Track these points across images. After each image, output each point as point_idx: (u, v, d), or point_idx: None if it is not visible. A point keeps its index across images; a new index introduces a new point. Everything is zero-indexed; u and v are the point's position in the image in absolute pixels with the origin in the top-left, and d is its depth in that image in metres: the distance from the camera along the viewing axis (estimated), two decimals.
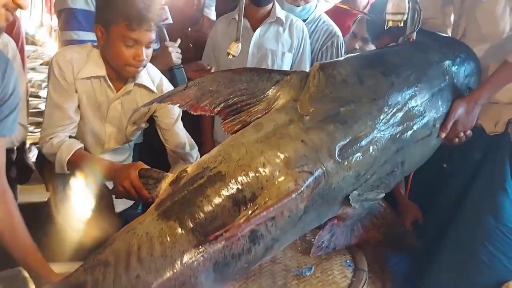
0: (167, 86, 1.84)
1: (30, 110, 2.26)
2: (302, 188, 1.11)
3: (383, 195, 1.38)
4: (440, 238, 1.67)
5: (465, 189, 1.65)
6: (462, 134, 1.49)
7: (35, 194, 2.29)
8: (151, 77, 1.80)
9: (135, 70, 1.67)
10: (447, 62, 1.48)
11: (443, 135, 1.41)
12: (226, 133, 1.33)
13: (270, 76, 1.33)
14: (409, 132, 1.31)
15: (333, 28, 2.37)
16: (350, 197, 1.25)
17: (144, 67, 1.70)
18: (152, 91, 1.78)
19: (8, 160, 1.97)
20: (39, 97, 2.93)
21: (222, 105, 1.30)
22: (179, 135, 1.86)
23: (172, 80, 1.95)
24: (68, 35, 2.06)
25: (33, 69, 2.15)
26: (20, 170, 2.11)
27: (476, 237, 1.61)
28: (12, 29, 2.03)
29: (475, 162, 1.65)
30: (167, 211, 1.13)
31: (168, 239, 1.08)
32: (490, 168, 1.62)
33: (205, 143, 2.29)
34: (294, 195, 1.09)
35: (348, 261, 1.46)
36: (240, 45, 1.75)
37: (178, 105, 1.30)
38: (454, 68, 1.49)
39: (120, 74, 1.71)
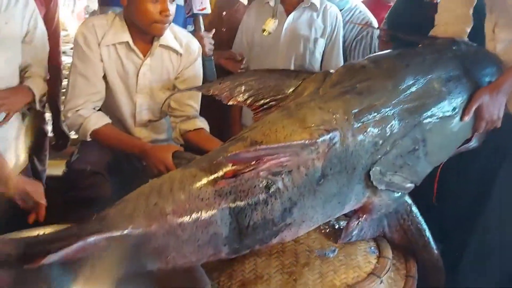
0: (194, 48, 1.87)
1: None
2: (317, 141, 1.16)
3: (410, 185, 1.39)
4: (470, 224, 1.64)
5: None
6: (490, 123, 1.47)
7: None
8: (178, 39, 1.83)
9: (162, 26, 1.69)
10: (464, 58, 1.52)
11: (466, 118, 1.42)
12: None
13: (297, 75, 1.48)
14: (427, 108, 1.35)
15: (369, 18, 2.42)
16: (371, 173, 1.28)
17: (169, 24, 1.72)
18: (179, 53, 1.82)
19: (43, 132, 2.14)
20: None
21: (252, 98, 1.45)
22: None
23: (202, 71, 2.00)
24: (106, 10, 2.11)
25: (63, 52, 2.27)
26: (57, 138, 2.27)
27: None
28: (48, 10, 2.07)
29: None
30: (190, 165, 1.22)
31: (188, 178, 1.16)
32: None
33: (233, 126, 2.36)
34: (307, 142, 1.15)
35: (372, 247, 1.43)
36: (276, 22, 1.82)
37: (213, 94, 1.45)
38: (472, 65, 1.52)
39: (144, 38, 1.74)
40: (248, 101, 1.43)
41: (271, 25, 1.83)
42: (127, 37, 1.75)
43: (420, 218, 1.46)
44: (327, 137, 1.19)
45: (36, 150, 2.05)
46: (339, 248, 1.41)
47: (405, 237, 1.48)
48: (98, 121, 1.72)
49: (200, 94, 1.91)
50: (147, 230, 1.09)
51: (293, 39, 2.27)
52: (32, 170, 1.98)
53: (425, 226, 1.47)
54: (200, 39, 2.03)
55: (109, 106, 1.83)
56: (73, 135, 2.21)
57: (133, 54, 1.78)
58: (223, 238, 1.15)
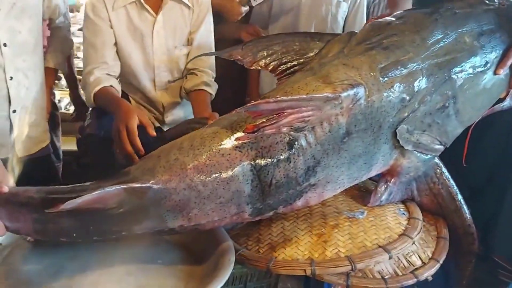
0: (205, 0, 1.85)
1: None
2: (340, 95, 1.12)
3: (439, 146, 1.35)
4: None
5: None
6: None
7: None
8: None
9: None
10: (498, 13, 1.44)
11: (501, 72, 1.35)
12: None
13: (322, 37, 1.44)
14: (457, 63, 1.29)
15: None
16: (398, 132, 1.24)
17: None
18: (189, 7, 1.80)
19: (55, 107, 2.18)
20: (77, 57, 3.07)
21: (276, 62, 1.42)
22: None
23: None
24: None
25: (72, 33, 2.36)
26: (77, 109, 2.32)
27: None
28: None
29: None
30: (211, 124, 1.21)
31: (209, 135, 1.15)
32: None
33: (251, 95, 2.32)
34: (330, 96, 1.11)
35: (401, 209, 1.39)
36: None
37: (235, 59, 1.43)
38: (506, 20, 1.43)
39: None
40: (271, 66, 1.40)
41: None
42: None
43: (451, 181, 1.41)
44: (351, 92, 1.15)
45: (52, 125, 2.08)
46: (367, 210, 1.37)
47: (435, 201, 1.43)
48: (98, 84, 1.69)
49: (213, 58, 1.89)
50: (168, 184, 1.08)
51: (314, 2, 2.20)
52: (53, 148, 2.02)
53: (456, 189, 1.41)
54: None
55: (127, 74, 1.82)
56: None
57: (145, 12, 1.76)
58: (246, 196, 1.14)
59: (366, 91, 1.19)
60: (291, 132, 1.12)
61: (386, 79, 1.22)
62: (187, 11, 1.83)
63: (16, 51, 1.66)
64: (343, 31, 2.26)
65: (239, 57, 1.42)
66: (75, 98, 2.35)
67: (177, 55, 1.86)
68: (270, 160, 1.13)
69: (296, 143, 1.14)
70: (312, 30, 2.20)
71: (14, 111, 1.69)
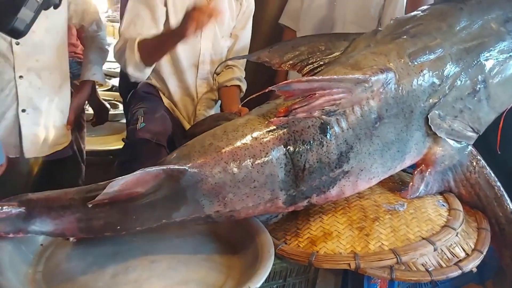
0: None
1: None
2: (370, 78, 1.13)
3: (472, 133, 1.34)
4: None
5: None
6: None
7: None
8: None
9: None
10: None
11: None
12: None
13: (347, 36, 1.48)
14: (485, 48, 1.30)
15: None
16: (429, 117, 1.25)
17: None
18: (239, 1, 1.81)
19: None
20: None
21: (302, 62, 1.45)
22: None
23: None
24: None
25: None
26: (96, 111, 2.25)
27: None
28: None
29: None
30: (243, 115, 1.25)
31: (241, 122, 1.17)
32: None
33: (279, 78, 2.24)
34: (361, 77, 1.12)
35: (440, 201, 1.36)
36: None
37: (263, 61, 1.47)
38: None
39: None
40: (298, 66, 1.43)
41: None
42: None
43: (489, 170, 1.38)
44: (381, 76, 1.16)
45: (77, 126, 2.08)
46: (407, 203, 1.35)
47: (473, 191, 1.40)
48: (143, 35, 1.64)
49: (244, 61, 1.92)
50: (203, 167, 1.10)
51: None
52: (77, 149, 2.01)
53: (494, 177, 1.38)
54: None
55: (167, 56, 1.79)
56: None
57: None
58: (279, 181, 1.14)
59: (396, 75, 1.20)
60: (323, 116, 1.13)
61: (415, 63, 1.24)
62: (235, 5, 1.87)
63: (29, 50, 1.65)
64: (379, 26, 2.17)
65: (267, 59, 1.46)
66: (93, 101, 2.29)
67: (221, 46, 1.87)
68: (303, 144, 1.14)
69: (328, 127, 1.16)
70: (348, 21, 2.14)
71: (23, 111, 1.68)
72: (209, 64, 1.88)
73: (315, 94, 1.08)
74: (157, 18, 1.72)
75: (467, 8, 1.37)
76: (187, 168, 1.09)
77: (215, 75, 1.93)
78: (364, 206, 1.34)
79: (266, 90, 1.08)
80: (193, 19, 1.43)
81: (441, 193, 1.42)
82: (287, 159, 1.14)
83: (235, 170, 1.11)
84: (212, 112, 2.01)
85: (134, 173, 1.02)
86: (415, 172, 1.37)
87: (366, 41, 1.40)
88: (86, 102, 2.15)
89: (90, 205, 1.04)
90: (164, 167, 1.07)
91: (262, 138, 1.13)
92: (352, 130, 1.18)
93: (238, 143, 1.12)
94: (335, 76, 1.11)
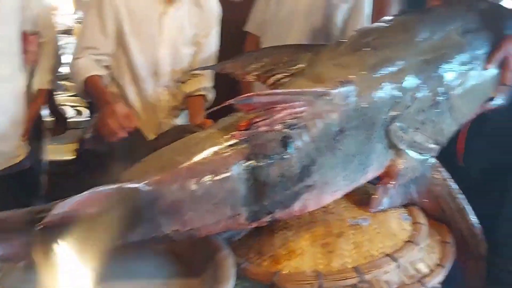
0: (216, 6, 1.84)
1: None
2: (331, 91, 1.12)
3: (434, 145, 1.34)
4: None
5: None
6: None
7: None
8: None
9: None
10: (481, 13, 1.47)
11: (490, 66, 1.36)
12: None
13: (312, 47, 1.46)
14: (446, 59, 1.30)
15: None
16: (391, 129, 1.24)
17: None
18: (202, 7, 1.78)
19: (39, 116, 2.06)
20: None
21: (266, 74, 1.43)
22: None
23: None
24: None
25: None
26: (56, 121, 2.20)
27: None
28: None
29: None
30: (205, 128, 1.22)
31: (202, 136, 1.14)
32: None
33: (243, 89, 2.15)
34: (321, 90, 1.11)
35: (405, 214, 1.35)
36: None
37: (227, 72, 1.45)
38: (490, 19, 1.46)
39: None
40: (262, 77, 1.41)
41: None
42: None
43: (451, 181, 1.38)
44: (342, 88, 1.15)
45: (35, 136, 2.01)
46: (371, 217, 1.33)
47: (436, 203, 1.39)
48: (91, 70, 1.63)
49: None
50: (161, 184, 1.05)
51: (311, 7, 2.12)
52: (36, 160, 1.95)
53: (457, 189, 1.38)
54: None
55: (125, 64, 1.75)
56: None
57: (158, 1, 1.71)
58: (241, 196, 1.11)
59: (357, 87, 1.19)
60: (285, 129, 1.11)
61: (376, 76, 1.23)
62: (196, 10, 1.82)
63: None
64: (343, 35, 2.17)
65: (231, 70, 1.44)
66: (51, 109, 2.22)
67: (183, 53, 1.82)
68: (264, 158, 1.11)
69: (290, 140, 1.13)
70: (308, 36, 2.14)
71: None
72: (169, 72, 1.82)
73: (277, 107, 1.05)
74: (107, 31, 1.68)
75: (428, 20, 1.39)
76: (142, 185, 1.04)
77: (180, 83, 1.88)
78: (328, 221, 1.31)
79: (226, 104, 1.05)
80: (105, 125, 1.41)
81: (405, 206, 1.40)
82: (248, 174, 1.11)
83: (195, 186, 1.07)
84: (179, 121, 1.96)
85: (84, 193, 0.97)
86: (378, 185, 1.36)
87: (329, 52, 1.39)
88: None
89: (38, 228, 0.98)
90: (117, 186, 1.02)
91: (223, 152, 1.10)
92: (314, 143, 1.16)
93: (198, 158, 1.08)
94: (296, 89, 1.09)
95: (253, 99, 1.02)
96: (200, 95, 1.85)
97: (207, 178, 1.07)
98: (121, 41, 1.75)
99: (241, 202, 1.12)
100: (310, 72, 1.28)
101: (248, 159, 1.10)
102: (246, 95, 1.01)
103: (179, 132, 1.45)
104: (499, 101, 1.47)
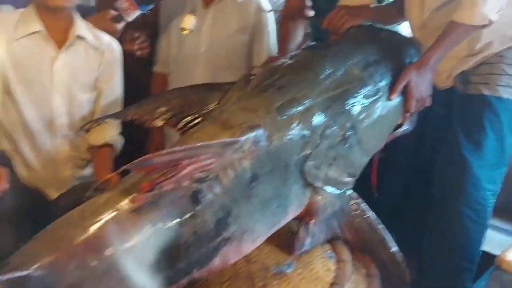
0: (116, 48, 1.75)
1: None
2: (239, 139, 1.07)
3: (349, 179, 1.33)
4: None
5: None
6: (420, 102, 1.44)
7: None
8: (96, 35, 1.68)
9: None
10: (381, 43, 1.51)
11: (394, 96, 1.39)
12: None
13: (220, 87, 1.42)
14: (350, 94, 1.30)
15: None
16: (305, 169, 1.21)
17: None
18: (99, 50, 1.67)
19: None
20: None
21: (175, 117, 1.37)
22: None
23: None
24: None
25: None
26: None
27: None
28: None
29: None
30: (105, 190, 1.08)
31: (101, 203, 1.02)
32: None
33: (154, 133, 2.16)
34: (228, 140, 1.05)
35: (328, 251, 1.32)
36: (194, 18, 1.73)
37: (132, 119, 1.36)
38: (390, 49, 1.51)
39: (60, 26, 1.57)
40: (172, 122, 1.35)
41: (190, 22, 1.73)
42: (39, 26, 1.57)
43: (370, 212, 1.37)
44: (250, 134, 1.10)
45: None
46: (295, 260, 1.29)
47: (357, 236, 1.38)
48: None
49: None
50: (56, 265, 0.92)
51: (215, 37, 2.08)
52: None
53: (376, 219, 1.38)
54: None
55: (15, 117, 1.59)
56: None
57: (48, 45, 1.60)
58: (152, 264, 1.00)
59: (265, 131, 1.15)
60: (194, 184, 1.03)
61: (284, 117, 1.20)
62: (96, 54, 1.70)
63: None
64: (249, 67, 2.16)
65: (136, 117, 1.35)
66: None
67: (80, 99, 1.68)
68: (173, 219, 1.02)
69: (201, 195, 1.05)
70: (214, 73, 2.10)
71: None
72: (67, 120, 1.68)
73: (181, 163, 0.97)
74: None
75: (330, 55, 1.39)
76: (33, 271, 0.91)
77: (84, 133, 1.74)
78: (251, 272, 1.25)
79: (120, 170, 0.95)
80: None
81: (329, 241, 1.38)
82: (157, 239, 1.01)
83: (95, 263, 0.95)
84: (88, 171, 1.81)
85: None
86: (300, 225, 1.32)
87: (237, 92, 1.35)
88: None
89: None
90: (3, 278, 0.88)
91: (125, 220, 0.99)
92: (228, 194, 1.10)
93: (96, 230, 0.97)
94: (200, 144, 1.01)
95: (151, 161, 0.92)
96: (107, 145, 1.71)
97: (110, 252, 0.95)
98: (7, 91, 1.60)
99: (153, 269, 1.01)
100: (218, 116, 1.22)
101: (155, 223, 1.00)
102: (142, 158, 0.91)
103: (84, 190, 1.31)
104: (405, 128, 1.50)
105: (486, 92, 1.61)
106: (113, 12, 1.83)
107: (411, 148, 1.75)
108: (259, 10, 2.13)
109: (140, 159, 0.90)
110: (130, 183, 1.06)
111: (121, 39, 1.87)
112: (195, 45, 2.09)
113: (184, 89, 1.46)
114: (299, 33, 2.20)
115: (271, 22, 2.18)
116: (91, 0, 2.18)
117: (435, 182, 1.70)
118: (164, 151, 0.94)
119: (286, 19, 2.18)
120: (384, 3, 1.95)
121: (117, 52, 1.78)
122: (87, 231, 0.96)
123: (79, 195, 1.15)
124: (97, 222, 0.97)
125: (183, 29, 1.74)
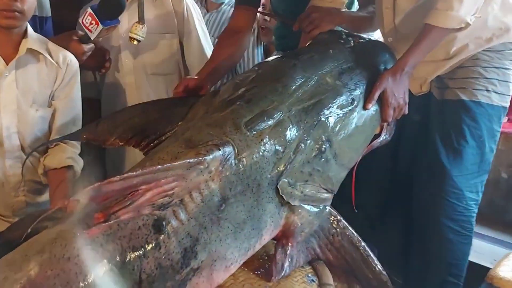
0: (73, 62, 1.63)
1: None
2: (205, 158, 0.97)
3: (326, 195, 1.25)
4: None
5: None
6: (397, 110, 1.39)
7: None
8: (51, 49, 1.58)
9: (6, 14, 1.42)
10: (353, 50, 1.44)
11: (370, 105, 1.31)
12: None
13: (185, 101, 1.33)
14: (324, 105, 1.22)
15: None
16: (279, 187, 1.13)
17: (22, 14, 1.45)
18: (53, 64, 1.56)
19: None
20: None
21: (137, 136, 1.28)
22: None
23: None
24: None
25: None
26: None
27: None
28: None
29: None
30: (56, 222, 0.97)
31: (50, 235, 0.91)
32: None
33: None
34: (192, 161, 0.95)
35: (309, 274, 1.23)
36: (145, 27, 1.61)
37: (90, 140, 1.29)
38: (363, 55, 1.44)
39: (8, 40, 1.47)
40: (133, 141, 1.26)
41: (139, 31, 1.61)
42: None
43: (351, 230, 1.29)
44: (217, 153, 1.01)
45: None
46: (274, 287, 1.18)
47: (339, 255, 1.29)
48: None
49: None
50: None
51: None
52: None
53: (358, 237, 1.29)
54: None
55: None
56: None
57: None
58: None
59: (235, 149, 1.06)
60: (155, 212, 0.93)
61: (254, 132, 1.11)
62: (48, 68, 1.58)
63: None
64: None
65: (93, 137, 1.27)
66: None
67: (32, 116, 1.55)
68: (134, 251, 0.92)
69: (163, 223, 0.95)
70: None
71: None
72: (18, 140, 1.55)
73: (139, 189, 0.87)
74: None
75: (300, 64, 1.31)
76: None
77: (40, 154, 1.61)
78: None
79: (65, 205, 0.84)
80: None
81: (310, 263, 1.29)
82: (115, 276, 0.90)
83: None
84: (44, 197, 1.66)
85: None
86: (277, 248, 1.23)
87: (204, 106, 1.26)
88: None
89: None
90: None
91: (77, 256, 0.88)
92: (195, 219, 1.00)
93: (43, 271, 0.85)
94: (159, 167, 0.91)
95: (102, 189, 0.82)
96: (64, 167, 1.58)
97: None
98: None
99: None
100: (182, 134, 1.13)
101: (112, 258, 0.90)
102: (92, 186, 0.81)
103: (33, 222, 1.18)
104: (383, 137, 1.43)
105: (463, 97, 1.57)
106: (80, 33, 1.75)
107: (389, 158, 1.68)
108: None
109: (90, 187, 0.80)
110: (84, 213, 0.95)
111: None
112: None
113: (145, 105, 1.37)
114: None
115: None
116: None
117: (414, 193, 1.64)
118: (117, 178, 0.83)
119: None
120: (352, 9, 1.90)
121: (75, 67, 1.66)
122: (32, 274, 0.85)
123: (29, 226, 1.01)
124: (44, 261, 0.86)
125: (131, 39, 1.64)
